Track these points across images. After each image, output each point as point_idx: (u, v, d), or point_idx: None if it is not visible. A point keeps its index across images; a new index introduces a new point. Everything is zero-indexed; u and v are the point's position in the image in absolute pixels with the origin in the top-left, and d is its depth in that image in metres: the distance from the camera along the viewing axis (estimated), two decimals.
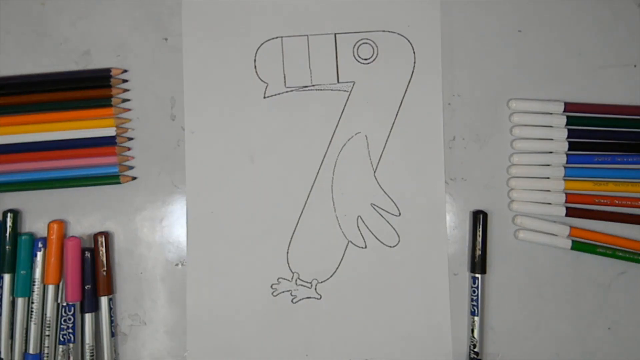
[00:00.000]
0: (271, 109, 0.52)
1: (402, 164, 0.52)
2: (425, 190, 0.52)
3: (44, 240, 0.51)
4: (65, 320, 0.50)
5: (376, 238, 0.52)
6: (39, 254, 0.51)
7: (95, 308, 0.51)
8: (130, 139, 0.52)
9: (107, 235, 0.51)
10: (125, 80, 0.52)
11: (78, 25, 0.53)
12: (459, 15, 0.53)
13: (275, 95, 0.53)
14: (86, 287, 0.51)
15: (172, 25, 0.53)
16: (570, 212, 0.52)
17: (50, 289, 0.50)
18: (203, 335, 0.52)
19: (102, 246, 0.51)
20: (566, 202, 0.52)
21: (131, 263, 0.52)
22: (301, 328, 0.52)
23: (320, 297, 0.52)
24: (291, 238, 0.52)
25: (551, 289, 0.52)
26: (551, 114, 0.52)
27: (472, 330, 0.51)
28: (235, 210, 0.52)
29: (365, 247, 0.52)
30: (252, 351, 0.52)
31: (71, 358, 0.50)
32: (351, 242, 0.52)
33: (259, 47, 0.53)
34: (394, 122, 0.52)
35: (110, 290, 0.51)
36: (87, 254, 0.51)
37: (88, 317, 0.51)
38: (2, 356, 0.51)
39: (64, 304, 0.50)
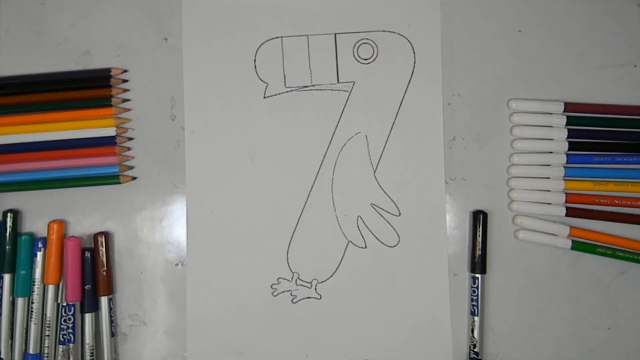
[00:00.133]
0: (271, 109, 0.52)
1: (402, 164, 0.52)
2: (425, 190, 0.52)
3: (44, 240, 0.51)
4: (65, 320, 0.50)
5: (376, 238, 0.52)
6: (39, 254, 0.51)
7: (95, 308, 0.51)
8: (130, 139, 0.52)
9: (107, 235, 0.51)
10: (125, 80, 0.52)
11: (78, 25, 0.53)
12: (459, 15, 0.53)
13: (275, 95, 0.53)
14: (86, 287, 0.51)
15: (172, 25, 0.53)
16: (570, 212, 0.52)
17: (50, 289, 0.50)
18: (203, 335, 0.52)
19: (102, 246, 0.51)
20: (566, 202, 0.52)
21: (131, 263, 0.52)
22: (301, 328, 0.52)
23: (320, 297, 0.52)
24: (291, 238, 0.52)
25: (551, 289, 0.52)
26: (551, 114, 0.52)
27: (472, 330, 0.51)
28: (235, 210, 0.52)
29: (365, 247, 0.52)
30: (252, 351, 0.52)
31: (71, 358, 0.50)
32: (351, 242, 0.52)
33: (259, 47, 0.53)
34: (394, 122, 0.52)
35: (110, 290, 0.51)
36: (87, 254, 0.51)
37: (88, 317, 0.51)
38: (2, 356, 0.51)
39: (64, 304, 0.50)
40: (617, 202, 0.52)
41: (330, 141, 0.52)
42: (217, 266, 0.52)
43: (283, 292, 0.52)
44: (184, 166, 0.52)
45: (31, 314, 0.50)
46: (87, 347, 0.51)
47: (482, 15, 0.53)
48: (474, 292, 0.51)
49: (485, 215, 0.52)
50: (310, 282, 0.52)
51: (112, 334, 0.51)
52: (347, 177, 0.52)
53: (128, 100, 0.52)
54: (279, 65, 0.53)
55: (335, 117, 0.53)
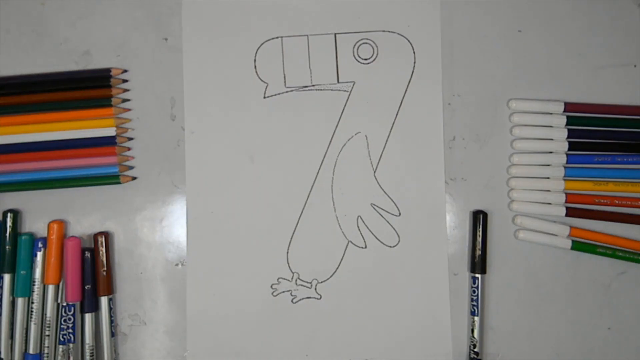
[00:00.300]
0: (271, 109, 0.52)
1: (402, 164, 0.52)
2: (425, 190, 0.52)
3: (44, 240, 0.51)
4: (65, 320, 0.50)
5: (376, 238, 0.52)
6: (39, 254, 0.51)
7: (95, 308, 0.51)
8: (130, 139, 0.52)
9: (107, 235, 0.51)
10: (125, 80, 0.52)
11: (78, 25, 0.53)
12: (459, 15, 0.53)
13: (275, 95, 0.53)
14: (86, 287, 0.51)
15: (172, 25, 0.53)
16: (570, 212, 0.52)
17: (50, 289, 0.50)
18: (203, 335, 0.52)
19: (102, 246, 0.51)
20: (566, 202, 0.52)
21: (131, 263, 0.52)
22: (301, 328, 0.52)
23: (320, 297, 0.52)
24: (291, 238, 0.52)
25: (551, 289, 0.52)
26: (551, 114, 0.52)
27: (472, 330, 0.51)
28: (235, 210, 0.52)
29: (365, 247, 0.52)
30: (252, 351, 0.52)
31: (71, 358, 0.50)
32: (351, 242, 0.52)
33: (259, 47, 0.53)
34: (394, 122, 0.52)
35: (110, 290, 0.51)
36: (87, 254, 0.51)
37: (88, 317, 0.51)
38: (2, 356, 0.51)
39: (64, 304, 0.50)
40: (617, 202, 0.52)
41: (330, 141, 0.52)
42: (217, 266, 0.52)
43: (283, 292, 0.52)
44: (184, 166, 0.52)
45: (31, 314, 0.50)
46: (87, 347, 0.51)
47: (482, 15, 0.53)
48: (474, 292, 0.51)
49: (485, 215, 0.52)
50: (310, 282, 0.52)
51: (112, 334, 0.51)
52: (347, 177, 0.52)
53: (128, 100, 0.52)
54: (279, 65, 0.53)
55: (335, 117, 0.53)
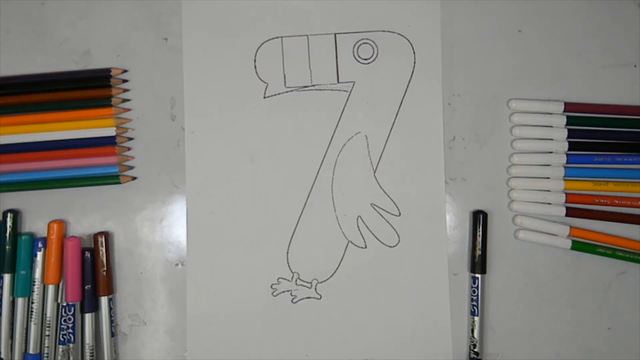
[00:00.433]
0: (271, 109, 0.52)
1: (402, 164, 0.52)
2: (425, 190, 0.52)
3: (44, 240, 0.51)
4: (65, 320, 0.50)
5: (376, 238, 0.52)
6: (39, 254, 0.51)
7: (95, 308, 0.51)
8: (130, 139, 0.52)
9: (107, 235, 0.51)
10: (125, 80, 0.52)
11: (78, 25, 0.53)
12: (459, 15, 0.53)
13: (275, 95, 0.53)
14: (86, 287, 0.51)
15: (172, 25, 0.53)
16: (570, 212, 0.52)
17: (50, 289, 0.50)
18: (203, 335, 0.52)
19: (102, 246, 0.51)
20: (566, 202, 0.52)
21: (131, 263, 0.52)
22: (301, 328, 0.52)
23: (320, 297, 0.52)
24: (291, 238, 0.52)
25: (551, 289, 0.52)
26: (551, 114, 0.52)
27: (472, 330, 0.51)
28: (235, 210, 0.52)
29: (365, 247, 0.52)
30: (252, 351, 0.52)
31: (71, 358, 0.50)
32: (351, 242, 0.52)
33: (259, 47, 0.53)
34: (394, 122, 0.52)
35: (110, 290, 0.51)
36: (87, 254, 0.51)
37: (88, 317, 0.51)
38: (2, 356, 0.51)
39: (64, 304, 0.50)
40: (617, 202, 0.52)
41: (330, 141, 0.52)
42: (217, 266, 0.52)
43: (283, 292, 0.52)
44: (184, 166, 0.52)
45: (31, 314, 0.50)
46: (87, 347, 0.51)
47: (482, 15, 0.53)
48: (474, 292, 0.51)
49: (485, 215, 0.52)
50: (310, 282, 0.52)
51: (112, 334, 0.51)
52: (347, 177, 0.52)
53: (128, 100, 0.52)
54: (279, 65, 0.53)
55: (335, 117, 0.53)
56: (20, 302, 0.50)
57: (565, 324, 0.52)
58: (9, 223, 0.51)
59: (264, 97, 0.53)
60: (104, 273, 0.51)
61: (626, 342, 0.52)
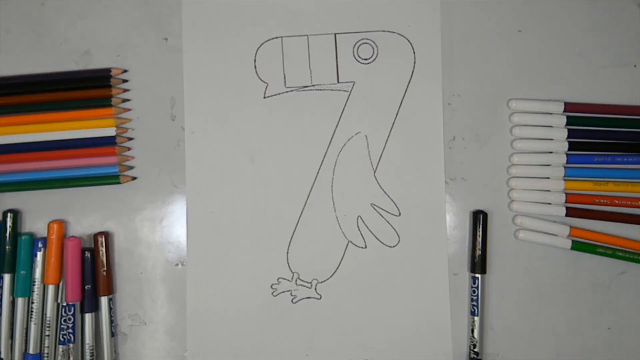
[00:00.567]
0: (271, 109, 0.52)
1: (402, 164, 0.52)
2: (425, 190, 0.52)
3: (44, 240, 0.51)
4: (65, 320, 0.50)
5: (376, 238, 0.52)
6: (39, 254, 0.51)
7: (95, 308, 0.51)
8: (130, 139, 0.52)
9: (107, 235, 0.51)
10: (125, 80, 0.52)
11: (78, 25, 0.53)
12: (459, 15, 0.53)
13: (275, 95, 0.53)
14: (86, 287, 0.51)
15: (172, 25, 0.53)
16: (570, 212, 0.52)
17: (50, 289, 0.50)
18: (203, 335, 0.52)
19: (102, 246, 0.51)
20: (566, 202, 0.52)
21: (131, 263, 0.52)
22: (301, 328, 0.52)
23: (320, 297, 0.52)
24: (291, 238, 0.52)
25: (551, 289, 0.52)
26: (551, 114, 0.52)
27: (472, 330, 0.51)
28: (235, 210, 0.52)
29: (365, 247, 0.52)
30: (252, 351, 0.52)
31: (71, 358, 0.50)
32: (351, 242, 0.52)
33: (259, 47, 0.53)
34: (394, 122, 0.52)
35: (110, 290, 0.51)
36: (87, 254, 0.51)
37: (88, 317, 0.51)
38: (2, 356, 0.51)
39: (64, 304, 0.50)
40: (617, 202, 0.52)
41: (330, 141, 0.52)
42: (217, 266, 0.52)
43: (283, 292, 0.52)
44: (184, 166, 0.52)
45: (31, 314, 0.50)
46: (87, 347, 0.51)
47: (482, 15, 0.53)
48: (474, 292, 0.51)
49: (485, 215, 0.52)
50: (310, 282, 0.52)
51: (112, 334, 0.51)
52: (347, 177, 0.52)
53: (128, 100, 0.52)
54: (279, 65, 0.53)
55: (335, 117, 0.53)
56: (20, 302, 0.50)
57: (565, 324, 0.52)
58: (9, 223, 0.51)
59: (264, 97, 0.53)
60: (104, 273, 0.51)
61: (626, 342, 0.52)
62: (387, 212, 0.52)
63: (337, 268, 0.52)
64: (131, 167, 0.52)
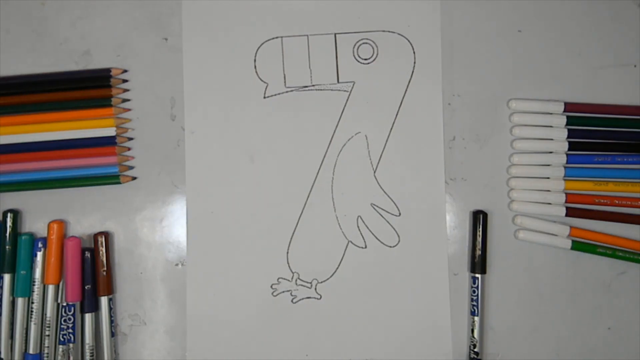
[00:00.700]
0: (271, 109, 0.52)
1: (402, 164, 0.52)
2: (425, 190, 0.52)
3: (44, 240, 0.51)
4: (65, 320, 0.50)
5: (376, 238, 0.52)
6: (39, 254, 0.51)
7: (95, 308, 0.51)
8: (130, 139, 0.52)
9: (107, 235, 0.51)
10: (125, 80, 0.52)
11: (78, 25, 0.53)
12: (459, 15, 0.53)
13: (275, 95, 0.53)
14: (86, 287, 0.51)
15: (172, 25, 0.53)
16: (570, 212, 0.52)
17: (50, 289, 0.50)
18: (203, 335, 0.52)
19: (102, 246, 0.51)
20: (566, 202, 0.52)
21: (131, 263, 0.52)
22: (301, 328, 0.52)
23: (320, 297, 0.52)
24: (291, 238, 0.52)
25: (551, 289, 0.52)
26: (551, 114, 0.52)
27: (472, 330, 0.51)
28: (235, 210, 0.52)
29: (365, 247, 0.52)
30: (252, 351, 0.52)
31: (71, 358, 0.50)
32: (351, 242, 0.52)
33: (259, 47, 0.53)
34: (394, 122, 0.52)
35: (110, 290, 0.51)
36: (87, 254, 0.51)
37: (88, 317, 0.51)
38: (2, 356, 0.51)
39: (64, 304, 0.50)
40: (617, 202, 0.52)
41: (330, 141, 0.52)
42: (217, 266, 0.52)
43: (283, 292, 0.52)
44: (184, 166, 0.52)
45: (31, 314, 0.50)
46: (87, 347, 0.51)
47: (482, 15, 0.53)
48: (474, 292, 0.51)
49: (485, 215, 0.52)
50: (310, 282, 0.52)
51: (112, 334, 0.51)
52: (347, 177, 0.52)
53: (128, 100, 0.52)
54: (279, 65, 0.53)
55: (335, 117, 0.53)
56: (20, 302, 0.50)
57: (565, 324, 0.52)
58: (9, 223, 0.51)
59: (264, 97, 0.53)
60: (104, 273, 0.51)
61: (626, 342, 0.52)
62: (387, 212, 0.52)
63: (337, 268, 0.52)
64: (131, 167, 0.52)
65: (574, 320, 0.52)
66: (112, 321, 0.51)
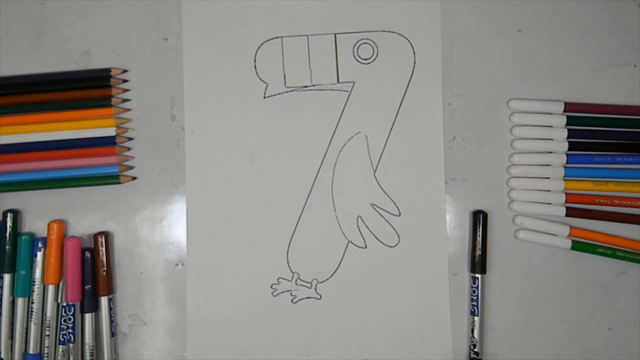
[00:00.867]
0: (271, 109, 0.52)
1: (402, 164, 0.52)
2: (425, 190, 0.52)
3: (44, 240, 0.51)
4: (65, 320, 0.50)
5: (376, 238, 0.52)
6: (39, 254, 0.51)
7: (95, 308, 0.51)
8: (130, 139, 0.52)
9: (107, 235, 0.51)
10: (125, 80, 0.52)
11: (78, 25, 0.53)
12: (459, 15, 0.53)
13: (275, 95, 0.53)
14: (86, 287, 0.51)
15: (172, 25, 0.53)
16: (570, 212, 0.52)
17: (50, 289, 0.50)
18: (203, 335, 0.52)
19: (102, 246, 0.51)
20: (566, 202, 0.52)
21: (131, 263, 0.52)
22: (301, 328, 0.52)
23: (320, 297, 0.52)
24: (291, 238, 0.52)
25: (551, 289, 0.52)
26: (551, 114, 0.52)
27: (472, 330, 0.51)
28: (235, 210, 0.52)
29: (365, 247, 0.52)
30: (252, 351, 0.52)
31: (71, 358, 0.50)
32: (351, 242, 0.52)
33: (259, 47, 0.53)
34: (394, 122, 0.52)
35: (110, 290, 0.51)
36: (87, 254, 0.51)
37: (88, 317, 0.51)
38: (2, 356, 0.51)
39: (64, 304, 0.50)
40: (617, 202, 0.52)
41: (330, 141, 0.52)
42: (217, 266, 0.52)
43: (283, 292, 0.52)
44: (184, 166, 0.52)
45: (31, 314, 0.50)
46: (87, 347, 0.51)
47: (482, 15, 0.53)
48: (474, 292, 0.51)
49: (485, 215, 0.52)
50: (310, 282, 0.52)
51: (112, 334, 0.51)
52: (347, 177, 0.52)
53: (128, 100, 0.52)
54: (279, 65, 0.53)
55: (335, 117, 0.53)
56: (20, 302, 0.50)
57: (565, 324, 0.52)
58: (9, 223, 0.51)
59: (264, 97, 0.53)
60: (104, 273, 0.51)
61: (626, 342, 0.52)
62: (387, 212, 0.52)
63: (337, 268, 0.52)
64: (131, 167, 0.52)
65: (574, 320, 0.52)
66: (112, 321, 0.51)
